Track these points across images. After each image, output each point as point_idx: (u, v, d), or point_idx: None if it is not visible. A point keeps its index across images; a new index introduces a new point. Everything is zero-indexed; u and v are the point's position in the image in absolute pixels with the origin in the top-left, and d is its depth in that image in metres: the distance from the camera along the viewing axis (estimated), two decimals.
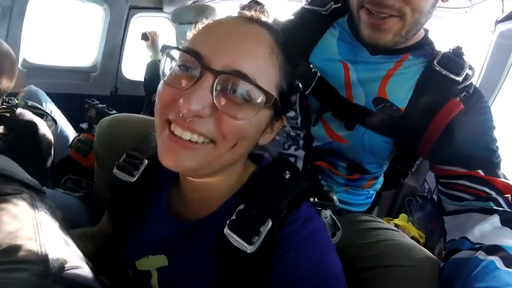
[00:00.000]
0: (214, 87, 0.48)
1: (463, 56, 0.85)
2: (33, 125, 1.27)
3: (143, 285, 0.67)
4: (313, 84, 0.88)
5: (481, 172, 0.77)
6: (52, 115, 1.57)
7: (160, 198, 0.70)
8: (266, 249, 0.53)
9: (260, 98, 0.51)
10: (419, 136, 0.82)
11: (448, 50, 0.87)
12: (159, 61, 1.65)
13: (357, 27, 0.86)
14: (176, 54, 0.54)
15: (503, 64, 1.55)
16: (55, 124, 1.54)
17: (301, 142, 0.99)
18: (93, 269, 0.58)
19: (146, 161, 0.73)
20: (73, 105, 1.79)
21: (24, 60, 2.27)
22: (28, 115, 1.28)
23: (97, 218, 1.08)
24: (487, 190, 0.75)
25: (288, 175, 0.61)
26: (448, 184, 0.82)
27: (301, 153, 0.99)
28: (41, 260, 0.49)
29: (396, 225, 1.53)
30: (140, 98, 2.66)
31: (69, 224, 0.67)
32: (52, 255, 0.51)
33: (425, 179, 1.97)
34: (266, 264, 0.54)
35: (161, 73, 0.54)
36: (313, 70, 0.89)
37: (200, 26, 0.59)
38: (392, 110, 0.85)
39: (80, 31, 2.80)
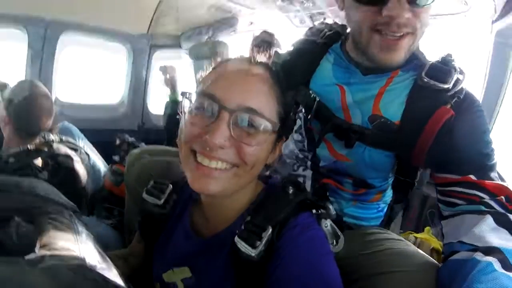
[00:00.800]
0: (230, 123, 0.61)
1: (452, 63, 0.85)
2: (69, 158, 1.40)
3: None
4: (314, 109, 0.94)
5: (473, 177, 0.78)
6: (85, 149, 1.70)
7: (183, 218, 0.80)
8: (268, 253, 0.62)
9: (267, 127, 0.64)
10: (413, 146, 0.84)
11: (437, 59, 0.88)
12: (175, 101, 1.74)
13: (364, 54, 0.87)
14: (193, 99, 0.67)
15: (505, 63, 1.54)
16: (88, 158, 1.67)
17: (309, 163, 1.04)
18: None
19: (171, 186, 0.82)
20: (103, 139, 1.94)
21: (57, 99, 2.47)
22: (64, 149, 1.41)
23: (128, 242, 1.15)
24: (479, 194, 0.76)
25: (291, 190, 0.70)
26: (443, 191, 0.83)
27: (309, 173, 1.04)
28: (79, 258, 0.57)
29: (415, 238, 1.50)
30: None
31: (102, 248, 0.75)
32: (87, 257, 0.59)
33: None
34: (267, 267, 0.62)
35: (182, 112, 0.67)
36: (312, 95, 0.95)
37: (213, 65, 0.72)
38: (387, 125, 0.88)
39: (107, 69, 3.03)
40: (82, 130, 2.01)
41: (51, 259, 0.58)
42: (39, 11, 2.20)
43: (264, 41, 2.24)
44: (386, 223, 1.09)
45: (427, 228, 1.61)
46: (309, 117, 0.96)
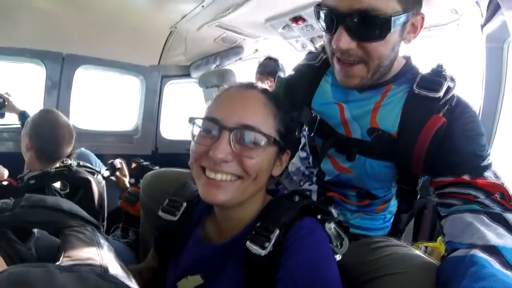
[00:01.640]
0: (230, 140, 0.69)
1: (442, 72, 0.89)
2: (87, 181, 1.46)
3: None
4: (315, 126, 1.01)
5: (466, 177, 0.80)
6: (102, 173, 1.77)
7: (197, 230, 0.85)
8: (276, 253, 0.67)
9: (263, 140, 0.71)
10: (411, 155, 0.87)
11: (428, 71, 0.92)
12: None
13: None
14: (198, 122, 0.77)
15: (499, 66, 1.55)
16: (104, 181, 1.74)
17: (314, 178, 1.08)
18: None
19: (185, 203, 0.89)
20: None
21: (74, 126, 2.57)
22: (83, 172, 1.49)
23: (143, 260, 1.18)
24: (474, 193, 0.78)
25: (297, 198, 0.75)
26: (440, 194, 0.85)
27: (314, 187, 1.08)
28: (101, 266, 0.62)
29: (426, 248, 1.48)
30: (178, 155, 2.92)
31: None
32: (110, 267, 0.64)
33: None
34: (275, 267, 0.66)
35: (191, 135, 0.75)
36: (313, 114, 1.01)
37: (218, 93, 0.82)
38: (384, 137, 0.91)
39: (121, 99, 3.19)
40: (98, 156, 2.10)
41: (76, 266, 0.63)
42: (56, 47, 2.38)
43: (267, 69, 2.37)
44: (394, 233, 1.10)
45: (439, 238, 1.58)
46: (312, 134, 1.02)
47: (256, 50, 2.81)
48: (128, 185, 1.81)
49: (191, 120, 0.76)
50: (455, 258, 0.68)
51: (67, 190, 1.42)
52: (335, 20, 0.79)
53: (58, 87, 2.45)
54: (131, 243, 1.48)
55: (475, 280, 0.59)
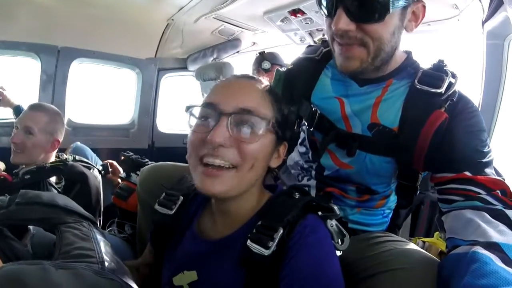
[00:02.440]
0: (229, 124, 0.68)
1: (444, 68, 0.89)
2: (83, 176, 1.45)
3: None
4: (315, 121, 0.99)
5: (468, 173, 0.80)
6: (98, 168, 1.76)
7: (193, 224, 0.85)
8: (280, 253, 0.66)
9: (262, 125, 0.70)
10: (412, 150, 0.86)
11: (430, 66, 0.92)
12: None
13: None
14: (195, 111, 0.75)
15: (499, 62, 1.55)
16: (100, 175, 1.73)
17: (313, 172, 1.08)
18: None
19: (182, 197, 0.87)
20: (115, 158, 2.00)
21: (69, 120, 2.58)
22: (79, 167, 1.48)
23: (140, 254, 1.18)
24: (475, 189, 0.78)
25: (297, 195, 0.75)
26: (441, 190, 0.85)
27: (313, 182, 1.07)
28: (98, 262, 0.61)
29: (423, 243, 1.49)
30: (174, 148, 2.91)
31: None
32: (106, 262, 0.63)
33: None
34: (279, 266, 0.66)
35: (189, 124, 0.74)
36: (313, 109, 1.00)
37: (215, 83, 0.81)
38: (385, 132, 0.91)
39: (117, 92, 3.17)
40: (94, 150, 2.09)
41: (72, 263, 0.63)
42: (51, 40, 2.35)
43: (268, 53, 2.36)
44: (392, 229, 1.10)
45: (437, 233, 1.60)
46: (311, 129, 1.01)
47: (254, 43, 2.79)
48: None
49: (188, 109, 0.74)
50: (457, 255, 0.68)
51: (63, 183, 1.41)
52: (334, 2, 0.80)
53: (53, 81, 2.42)
54: (127, 238, 1.48)
55: (477, 277, 0.58)
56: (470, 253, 0.64)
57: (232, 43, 2.75)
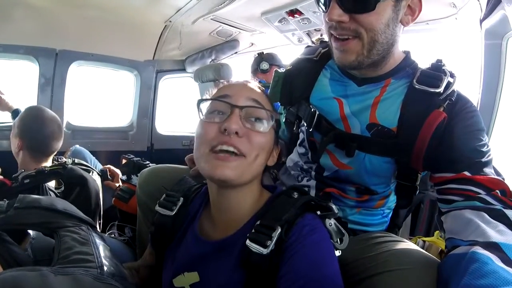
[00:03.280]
0: (241, 117, 0.72)
1: (442, 68, 0.89)
2: (83, 179, 1.45)
3: None
4: (314, 122, 1.00)
5: (467, 173, 0.80)
6: (97, 171, 1.76)
7: (193, 225, 0.84)
8: (278, 252, 0.66)
9: (269, 118, 0.76)
10: (411, 150, 0.87)
11: (428, 66, 0.92)
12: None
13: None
14: (204, 106, 0.79)
15: (497, 61, 1.54)
16: (100, 178, 1.73)
17: (313, 173, 1.07)
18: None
19: (182, 198, 0.88)
20: (114, 161, 2.00)
21: (68, 123, 2.58)
22: (78, 170, 1.47)
23: (140, 256, 1.18)
24: (474, 189, 0.78)
25: (296, 195, 0.75)
26: (440, 190, 0.85)
27: (312, 183, 1.07)
28: (98, 267, 0.61)
29: (424, 242, 1.49)
30: (173, 150, 2.91)
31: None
32: (105, 267, 0.63)
33: None
34: (277, 266, 0.66)
35: (200, 117, 0.77)
36: (312, 109, 1.00)
37: (221, 83, 0.86)
38: (384, 132, 0.91)
39: (116, 94, 3.16)
40: (93, 153, 2.10)
41: (71, 269, 0.62)
42: (49, 43, 2.35)
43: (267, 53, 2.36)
44: (391, 229, 1.10)
45: (437, 232, 1.60)
46: (310, 130, 1.01)
47: (252, 44, 2.79)
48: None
49: (200, 103, 0.77)
50: (456, 255, 0.68)
51: (62, 188, 1.41)
52: None
53: (52, 84, 2.42)
54: (128, 240, 1.47)
55: (476, 277, 0.58)
56: (469, 253, 0.64)
57: (230, 44, 2.74)
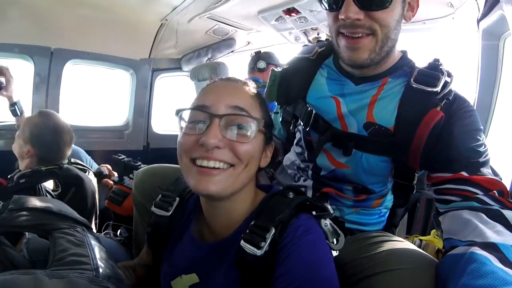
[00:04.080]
0: (221, 126, 0.67)
1: (440, 67, 0.89)
2: (79, 179, 1.44)
3: None
4: (311, 121, 0.99)
5: (465, 173, 0.80)
6: (94, 170, 1.75)
7: (189, 227, 0.84)
8: (272, 253, 0.65)
9: (254, 125, 0.70)
10: (408, 149, 0.86)
11: (425, 65, 0.92)
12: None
13: (339, 57, 0.95)
14: (185, 115, 0.74)
15: (494, 60, 1.55)
16: (95, 178, 1.71)
17: (310, 173, 1.07)
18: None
19: (178, 198, 0.87)
20: (109, 161, 1.98)
21: None
22: (74, 170, 1.46)
23: (136, 256, 1.18)
24: (472, 189, 0.78)
25: (291, 195, 0.74)
26: (438, 190, 0.85)
27: (309, 182, 1.07)
28: (93, 269, 0.60)
29: (420, 241, 1.50)
30: (169, 150, 2.87)
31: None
32: (101, 268, 0.62)
33: None
34: (272, 267, 0.65)
35: (180, 127, 0.73)
36: (309, 109, 1.00)
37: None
38: (381, 131, 0.91)
39: (111, 93, 3.14)
40: (88, 152, 2.08)
41: (66, 271, 0.62)
42: (44, 42, 2.32)
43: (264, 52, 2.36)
44: (389, 228, 1.10)
45: (433, 231, 1.60)
46: (307, 129, 1.01)
47: (249, 43, 2.78)
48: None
49: (178, 112, 0.73)
50: (455, 256, 0.68)
51: (59, 191, 1.40)
52: None
53: (47, 83, 2.40)
54: (123, 240, 1.46)
55: (474, 278, 0.58)
56: (467, 253, 0.64)
57: (226, 42, 2.74)
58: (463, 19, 1.62)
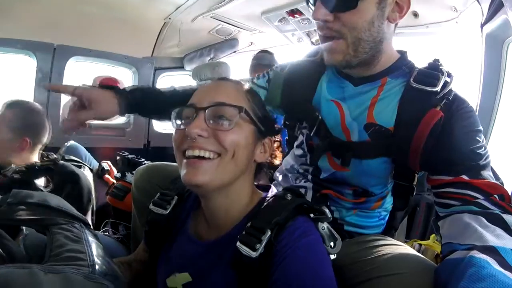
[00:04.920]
0: (205, 117, 0.70)
1: (440, 67, 0.88)
2: (74, 175, 1.43)
3: None
4: (315, 127, 0.98)
5: (465, 177, 0.79)
6: (91, 167, 1.74)
7: (187, 225, 0.84)
8: (268, 255, 0.65)
9: (235, 113, 0.72)
10: (408, 149, 0.85)
11: (425, 65, 0.91)
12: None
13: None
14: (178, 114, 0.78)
15: (498, 65, 1.54)
16: (91, 174, 1.71)
17: (309, 176, 1.06)
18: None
19: (176, 197, 0.87)
20: (110, 158, 1.99)
21: (65, 119, 2.54)
22: (70, 166, 1.46)
23: None
24: (472, 193, 0.77)
25: (289, 197, 0.72)
26: (438, 193, 0.84)
27: (309, 184, 1.06)
28: (89, 265, 0.60)
29: (420, 246, 1.49)
30: (170, 148, 2.87)
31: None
32: (97, 265, 0.62)
33: None
34: (268, 270, 0.64)
35: (173, 125, 0.77)
36: (316, 114, 0.99)
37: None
38: (381, 131, 0.90)
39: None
40: (89, 149, 2.07)
41: (62, 267, 0.61)
42: (47, 38, 2.33)
43: (262, 62, 2.35)
44: (388, 231, 1.09)
45: (433, 235, 1.60)
46: (311, 134, 1.00)
47: (252, 43, 2.78)
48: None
49: (171, 112, 0.77)
50: (454, 260, 0.67)
51: (51, 187, 1.38)
52: None
53: (49, 79, 2.40)
54: (122, 238, 1.46)
55: (474, 281, 0.57)
56: (467, 258, 0.63)
57: (229, 42, 2.74)
58: (466, 24, 1.62)
